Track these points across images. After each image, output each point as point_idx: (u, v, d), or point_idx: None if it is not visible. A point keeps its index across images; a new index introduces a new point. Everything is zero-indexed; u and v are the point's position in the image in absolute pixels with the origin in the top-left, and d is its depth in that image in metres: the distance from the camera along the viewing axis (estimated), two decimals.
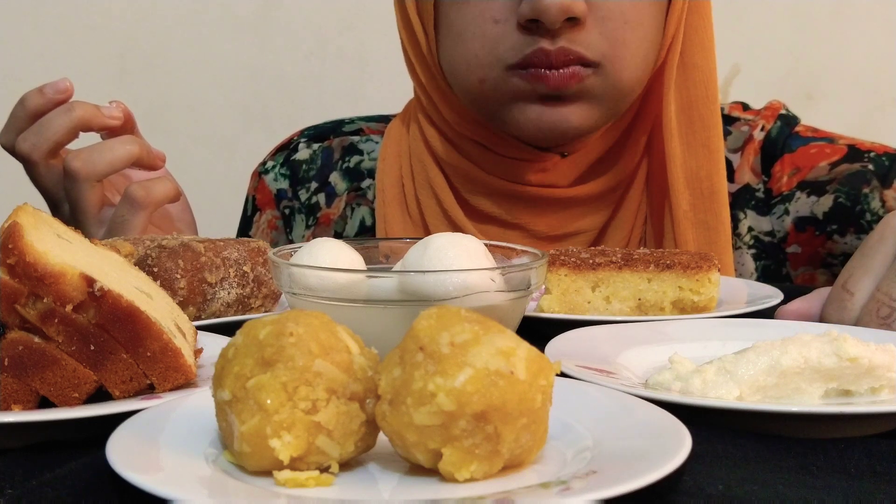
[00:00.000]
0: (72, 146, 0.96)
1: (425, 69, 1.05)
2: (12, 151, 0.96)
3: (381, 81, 1.83)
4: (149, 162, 0.97)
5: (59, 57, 1.79)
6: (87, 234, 0.93)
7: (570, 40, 0.91)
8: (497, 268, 0.60)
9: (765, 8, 1.83)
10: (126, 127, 0.98)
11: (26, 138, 0.93)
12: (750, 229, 1.10)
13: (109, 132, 0.98)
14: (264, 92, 1.85)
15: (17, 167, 0.97)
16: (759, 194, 1.10)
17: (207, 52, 1.83)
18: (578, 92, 0.94)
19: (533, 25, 0.91)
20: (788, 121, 1.12)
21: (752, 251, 1.10)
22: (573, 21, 0.90)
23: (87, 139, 0.97)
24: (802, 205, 1.08)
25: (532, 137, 1.00)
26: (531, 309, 0.78)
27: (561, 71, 0.92)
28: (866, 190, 1.04)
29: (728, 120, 1.14)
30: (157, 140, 1.01)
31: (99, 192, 0.94)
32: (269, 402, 0.41)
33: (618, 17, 0.93)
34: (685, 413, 0.47)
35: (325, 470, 0.42)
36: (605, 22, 0.92)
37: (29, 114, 0.93)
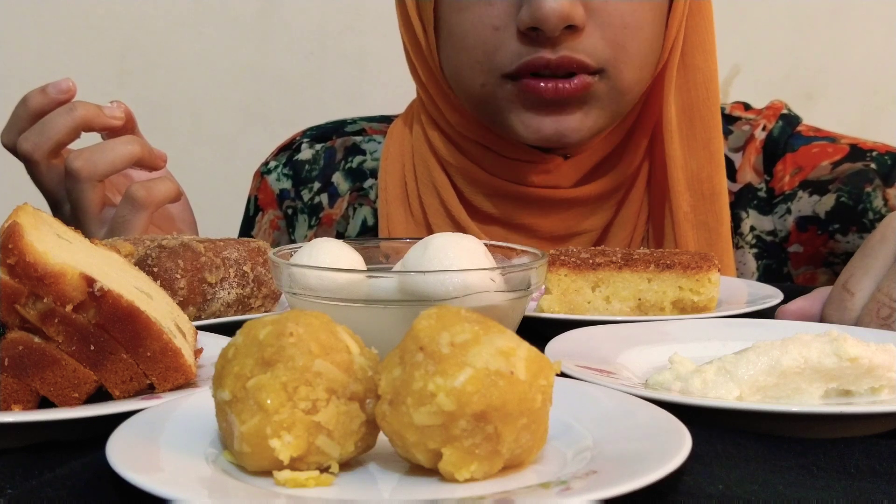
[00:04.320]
0: (73, 146, 0.96)
1: (427, 71, 1.05)
2: (14, 151, 0.96)
3: (381, 82, 1.83)
4: (150, 162, 0.97)
5: (59, 57, 1.79)
6: (89, 234, 0.93)
7: (571, 48, 0.91)
8: (497, 268, 0.60)
9: (765, 8, 1.83)
10: (127, 127, 0.98)
11: (28, 138, 0.93)
12: (752, 228, 1.10)
13: (111, 132, 0.98)
14: (264, 92, 1.85)
15: (18, 167, 0.97)
16: (762, 194, 1.10)
17: (207, 52, 1.83)
18: (581, 98, 0.94)
19: (533, 34, 0.90)
20: (790, 120, 1.12)
21: (754, 250, 1.10)
22: (572, 28, 0.90)
23: (89, 139, 0.97)
24: (804, 204, 1.08)
25: (533, 143, 1.00)
26: (531, 309, 0.78)
27: (564, 85, 0.91)
28: (868, 189, 1.04)
29: (729, 119, 1.14)
30: (157, 140, 1.01)
31: (100, 192, 0.94)
32: (269, 402, 0.41)
33: (617, 22, 0.92)
34: (685, 413, 0.47)
35: (325, 470, 0.42)
36: (605, 28, 0.92)
37: (31, 113, 0.93)
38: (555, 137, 0.96)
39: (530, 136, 0.97)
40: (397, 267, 0.63)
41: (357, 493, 0.41)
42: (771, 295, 0.80)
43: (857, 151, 1.08)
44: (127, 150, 0.93)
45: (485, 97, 0.97)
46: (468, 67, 0.96)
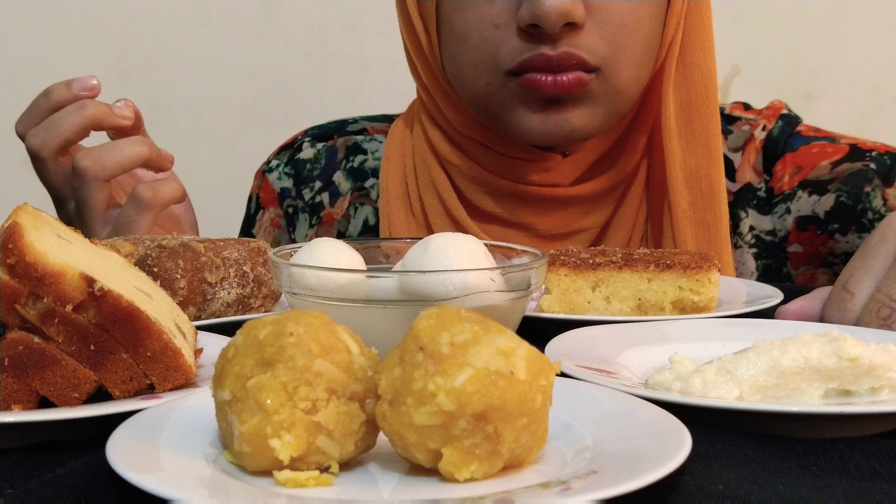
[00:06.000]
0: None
1: (427, 70, 1.06)
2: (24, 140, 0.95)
3: (380, 82, 1.83)
4: (157, 163, 0.96)
5: (59, 57, 1.79)
6: (93, 234, 0.93)
7: (571, 44, 0.91)
8: (497, 268, 0.60)
9: (765, 8, 1.83)
10: (135, 127, 0.98)
11: (36, 134, 0.93)
12: (751, 228, 1.10)
13: (119, 132, 0.98)
14: (264, 92, 1.85)
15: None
16: (761, 193, 1.10)
17: (207, 52, 1.83)
18: (579, 95, 0.94)
19: (533, 31, 0.91)
20: (790, 120, 1.12)
21: (754, 250, 1.10)
22: (572, 26, 0.90)
23: (95, 138, 0.97)
24: (804, 204, 1.08)
25: (534, 141, 1.00)
26: (531, 309, 0.78)
27: (562, 78, 0.92)
28: (868, 189, 1.04)
29: (729, 119, 1.14)
30: (157, 140, 1.01)
31: (107, 192, 0.94)
32: (269, 402, 0.41)
33: (616, 20, 0.93)
34: (685, 413, 0.47)
35: (325, 470, 0.42)
36: (604, 26, 0.93)
37: (51, 106, 0.93)
38: (555, 131, 0.96)
39: (533, 133, 0.97)
40: (397, 267, 0.63)
41: (357, 493, 0.41)
42: (771, 295, 0.80)
43: (856, 151, 1.08)
44: (135, 151, 0.93)
45: (488, 95, 0.97)
46: (471, 66, 0.97)
